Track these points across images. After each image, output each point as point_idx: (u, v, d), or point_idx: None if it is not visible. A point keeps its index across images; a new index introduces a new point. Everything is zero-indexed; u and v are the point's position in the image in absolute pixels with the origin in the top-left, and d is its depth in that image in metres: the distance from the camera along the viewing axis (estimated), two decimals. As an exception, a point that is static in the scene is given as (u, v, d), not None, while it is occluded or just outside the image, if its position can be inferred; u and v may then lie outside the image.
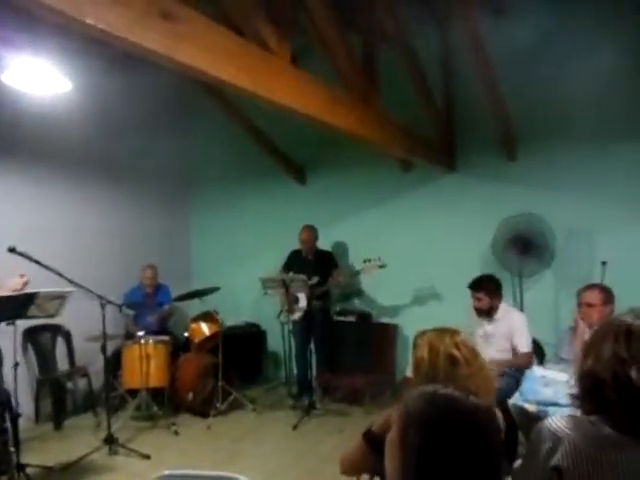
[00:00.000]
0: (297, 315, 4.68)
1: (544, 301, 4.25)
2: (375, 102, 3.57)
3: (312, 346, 4.79)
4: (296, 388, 4.80)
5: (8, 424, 3.02)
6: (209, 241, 5.91)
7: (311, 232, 4.83)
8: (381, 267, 4.35)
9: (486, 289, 3.41)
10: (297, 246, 4.88)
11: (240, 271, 5.52)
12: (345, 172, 5.11)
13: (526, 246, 4.09)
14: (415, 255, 4.83)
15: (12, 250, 3.06)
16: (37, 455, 3.45)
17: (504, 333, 3.33)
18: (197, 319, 4.65)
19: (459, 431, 0.97)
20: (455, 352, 1.58)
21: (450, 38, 4.37)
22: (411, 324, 4.54)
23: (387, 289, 5.00)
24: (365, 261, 4.40)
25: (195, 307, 4.87)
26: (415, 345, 1.69)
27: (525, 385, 2.48)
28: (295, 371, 4.82)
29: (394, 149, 4.13)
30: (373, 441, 1.56)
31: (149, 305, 4.83)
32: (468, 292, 4.39)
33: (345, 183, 5.16)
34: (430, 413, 1.00)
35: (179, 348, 4.78)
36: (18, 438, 3.15)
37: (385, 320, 4.92)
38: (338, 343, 4.67)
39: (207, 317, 4.58)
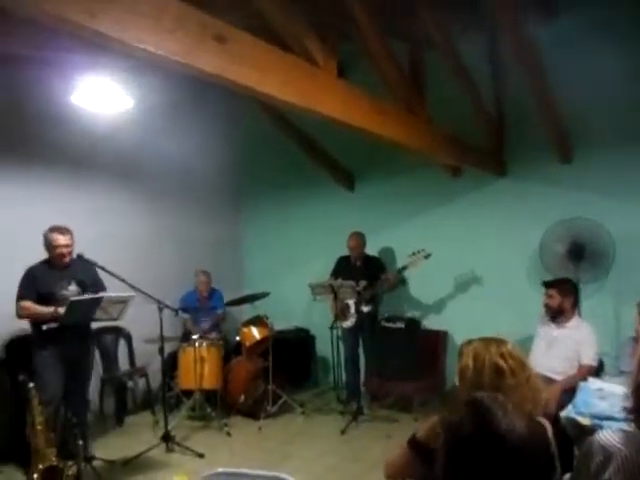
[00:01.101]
0: (349, 322, 4.73)
1: (603, 310, 4.07)
2: (422, 111, 3.57)
3: (361, 351, 4.83)
4: (345, 393, 4.83)
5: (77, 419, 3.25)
6: (260, 247, 6.06)
7: (359, 238, 4.86)
8: (426, 257, 4.39)
9: (558, 287, 3.44)
10: (346, 252, 4.93)
11: (291, 277, 5.63)
12: (394, 178, 5.10)
13: (580, 252, 3.93)
14: (464, 262, 4.76)
15: (80, 257, 3.36)
16: (101, 449, 3.67)
17: (574, 340, 3.31)
18: (248, 323, 4.78)
19: (492, 447, 0.98)
20: (501, 362, 1.57)
21: (498, 42, 4.28)
22: (460, 331, 4.47)
23: (436, 296, 4.95)
24: (409, 255, 4.46)
25: (247, 312, 5.02)
26: (461, 354, 1.69)
27: (579, 397, 2.39)
28: (344, 376, 4.86)
29: (443, 157, 4.10)
30: (418, 448, 1.58)
31: (203, 309, 5.03)
32: (519, 299, 4.32)
33: (394, 189, 5.15)
34: (464, 426, 1.02)
35: (231, 351, 4.93)
36: (86, 432, 3.39)
37: (434, 327, 4.87)
38: (387, 349, 4.66)
39: (257, 321, 4.71)
